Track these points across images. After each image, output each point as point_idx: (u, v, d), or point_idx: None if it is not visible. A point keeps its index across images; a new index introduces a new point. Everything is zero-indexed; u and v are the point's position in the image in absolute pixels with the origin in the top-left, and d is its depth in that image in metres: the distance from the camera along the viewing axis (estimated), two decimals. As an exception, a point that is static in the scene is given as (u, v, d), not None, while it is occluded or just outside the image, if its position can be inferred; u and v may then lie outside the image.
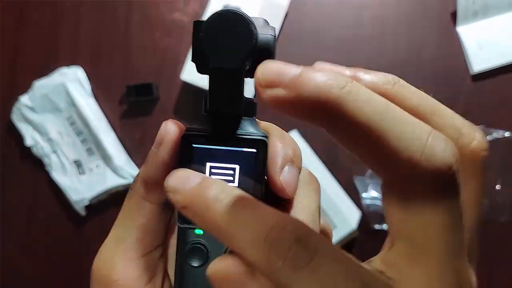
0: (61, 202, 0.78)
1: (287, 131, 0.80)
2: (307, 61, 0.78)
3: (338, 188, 0.72)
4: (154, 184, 0.26)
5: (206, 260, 0.26)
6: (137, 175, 0.27)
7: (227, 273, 0.19)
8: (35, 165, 0.78)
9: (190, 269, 0.27)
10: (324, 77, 0.18)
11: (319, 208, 0.27)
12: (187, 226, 0.26)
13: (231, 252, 0.20)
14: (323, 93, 0.18)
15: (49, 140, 0.77)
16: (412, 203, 0.18)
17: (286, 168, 0.26)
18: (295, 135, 0.73)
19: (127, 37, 0.79)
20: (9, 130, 0.79)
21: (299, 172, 0.27)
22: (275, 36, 0.25)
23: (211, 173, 0.25)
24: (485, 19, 0.74)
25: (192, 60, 0.25)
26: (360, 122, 0.18)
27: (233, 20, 0.23)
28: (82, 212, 0.76)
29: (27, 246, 0.79)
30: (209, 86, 0.25)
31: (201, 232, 0.26)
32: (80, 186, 0.76)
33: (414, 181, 0.18)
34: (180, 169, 0.22)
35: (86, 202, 0.75)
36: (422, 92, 0.21)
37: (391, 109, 0.18)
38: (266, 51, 0.25)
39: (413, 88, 0.21)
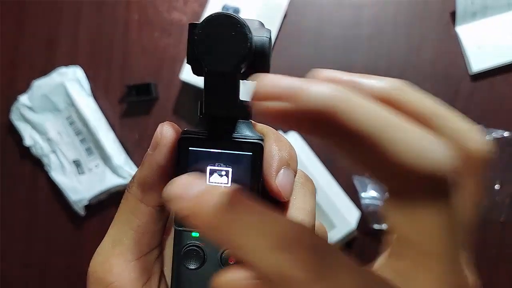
0: (61, 202, 0.78)
1: (286, 132, 0.80)
2: (306, 61, 0.78)
3: (338, 188, 0.73)
4: (150, 186, 0.26)
5: (202, 262, 0.26)
6: (133, 177, 0.27)
7: (237, 286, 0.19)
8: (34, 165, 0.78)
9: (186, 272, 0.26)
10: (320, 88, 0.18)
11: (314, 210, 0.27)
12: (184, 229, 0.26)
13: (237, 262, 0.20)
14: (319, 104, 0.17)
15: (48, 140, 0.76)
16: (416, 209, 0.18)
17: (282, 171, 0.26)
18: (294, 135, 0.73)
19: (126, 37, 0.79)
20: (8, 130, 0.79)
21: (295, 175, 0.27)
22: (270, 38, 0.25)
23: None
24: (484, 19, 0.74)
25: (188, 63, 0.25)
26: (356, 131, 0.18)
27: (227, 24, 0.23)
28: (82, 212, 0.76)
29: (26, 245, 0.79)
30: (204, 89, 0.25)
31: (198, 234, 0.26)
32: (80, 186, 0.76)
33: (415, 187, 0.18)
34: (181, 176, 0.21)
35: (86, 202, 0.75)
36: (424, 95, 0.21)
37: (388, 117, 0.18)
38: (261, 53, 0.25)
39: (415, 92, 0.21)
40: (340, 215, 0.69)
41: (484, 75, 0.74)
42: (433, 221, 0.18)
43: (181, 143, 0.26)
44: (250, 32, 0.23)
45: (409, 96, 0.21)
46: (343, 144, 0.18)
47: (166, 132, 0.26)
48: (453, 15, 0.75)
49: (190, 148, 0.25)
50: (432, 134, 0.19)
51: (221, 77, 0.24)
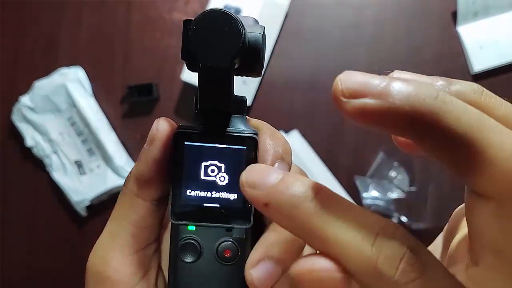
0: (62, 203, 0.78)
1: (287, 132, 0.80)
2: (307, 61, 0.78)
3: (339, 188, 0.72)
4: (146, 181, 0.27)
5: (199, 256, 0.27)
6: (130, 172, 0.27)
7: (320, 276, 0.18)
8: (36, 165, 0.78)
9: (183, 265, 0.27)
10: (414, 87, 0.17)
11: None
12: (180, 222, 0.26)
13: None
14: (417, 103, 0.17)
15: (50, 141, 0.77)
16: (508, 211, 0.17)
17: (276, 164, 0.26)
18: (295, 135, 0.73)
19: (127, 37, 0.79)
20: (9, 130, 0.79)
21: (289, 169, 0.27)
22: (263, 35, 0.26)
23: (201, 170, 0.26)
24: (485, 19, 0.74)
25: (182, 58, 0.26)
26: (457, 132, 0.17)
27: (221, 19, 0.24)
28: (83, 213, 0.76)
29: (28, 246, 0.79)
30: (198, 84, 0.25)
31: (194, 228, 0.27)
32: (81, 187, 0.76)
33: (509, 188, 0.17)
34: (258, 164, 0.21)
35: (87, 203, 0.75)
36: (508, 102, 0.20)
37: (485, 119, 0.17)
38: (255, 49, 0.25)
39: (499, 98, 0.20)
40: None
41: (486, 75, 0.74)
42: None
43: (177, 137, 0.26)
44: (243, 28, 0.24)
45: (493, 101, 0.20)
46: (438, 145, 0.17)
47: (162, 127, 0.26)
48: (454, 15, 0.75)
49: (185, 143, 0.26)
50: None
51: (215, 72, 0.25)
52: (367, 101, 0.17)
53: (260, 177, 0.19)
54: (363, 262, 0.17)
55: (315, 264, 0.18)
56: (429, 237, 0.28)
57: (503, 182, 0.17)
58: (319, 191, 0.18)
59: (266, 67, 0.76)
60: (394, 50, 0.76)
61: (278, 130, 0.79)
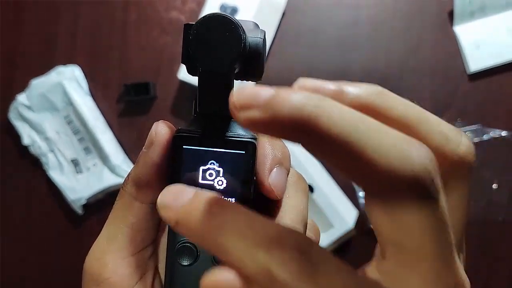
0: (59, 201, 0.78)
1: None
2: (304, 61, 0.78)
3: (335, 187, 0.73)
4: (144, 184, 0.27)
5: (195, 259, 0.27)
6: (128, 175, 0.28)
7: (224, 286, 0.19)
8: (32, 164, 0.78)
9: (180, 268, 0.27)
10: (296, 96, 0.18)
11: (306, 208, 0.27)
12: None
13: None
14: (296, 112, 0.18)
15: (46, 139, 0.76)
16: (396, 209, 0.19)
17: (275, 169, 0.26)
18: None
19: (124, 36, 0.79)
20: (6, 129, 0.79)
21: (288, 173, 0.27)
22: (264, 39, 0.26)
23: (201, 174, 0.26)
24: (482, 19, 0.74)
25: (182, 62, 0.26)
26: (334, 136, 0.18)
27: (221, 24, 0.24)
28: (80, 211, 0.76)
29: (24, 245, 0.79)
30: (198, 88, 0.26)
31: None
32: (78, 185, 0.76)
33: (395, 188, 0.18)
34: (172, 185, 0.22)
35: (84, 201, 0.75)
36: (407, 101, 0.21)
37: (364, 121, 0.18)
38: (255, 54, 0.26)
39: (397, 98, 0.21)
40: (338, 215, 0.70)
41: (482, 74, 0.74)
42: (418, 222, 0.18)
43: (175, 141, 0.26)
44: (244, 32, 0.24)
45: (389, 101, 0.21)
46: (321, 150, 0.19)
47: (161, 130, 0.26)
48: (451, 14, 0.75)
49: (184, 146, 0.26)
50: (412, 136, 0.19)
51: (215, 76, 0.25)
52: (253, 113, 0.18)
53: (170, 198, 0.21)
54: (257, 268, 0.18)
55: (217, 276, 0.19)
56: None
57: (383, 180, 0.18)
58: (223, 207, 0.20)
59: (263, 66, 0.76)
60: (391, 50, 0.76)
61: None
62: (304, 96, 0.18)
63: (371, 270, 0.21)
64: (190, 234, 0.20)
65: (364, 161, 0.18)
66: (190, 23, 0.25)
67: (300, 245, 0.18)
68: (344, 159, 0.18)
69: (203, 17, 0.24)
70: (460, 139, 0.21)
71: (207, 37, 0.24)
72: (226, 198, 0.21)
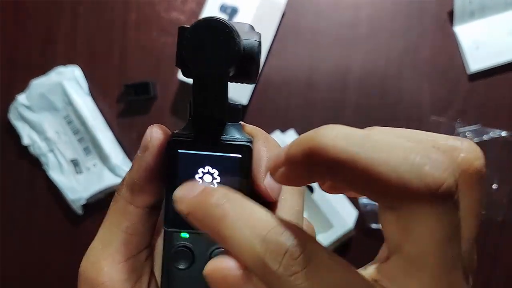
0: (58, 201, 0.78)
1: (283, 131, 0.80)
2: (304, 60, 0.78)
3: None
4: (139, 188, 0.27)
5: (191, 262, 0.27)
6: (123, 179, 0.27)
7: (223, 274, 0.20)
8: (32, 164, 0.78)
9: (176, 272, 0.27)
10: (298, 139, 0.20)
11: (302, 209, 0.28)
12: (174, 229, 0.26)
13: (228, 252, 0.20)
14: (305, 147, 0.19)
15: (46, 139, 0.76)
16: (408, 219, 0.19)
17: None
18: (292, 134, 0.73)
19: (124, 36, 0.79)
20: (6, 129, 0.79)
21: None
22: (259, 42, 0.26)
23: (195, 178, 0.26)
24: (482, 19, 0.74)
25: (177, 65, 0.26)
26: (342, 159, 0.18)
27: (216, 28, 0.24)
28: (79, 211, 0.76)
29: (24, 245, 0.79)
30: (192, 92, 0.26)
31: (187, 235, 0.27)
32: (77, 185, 0.76)
33: (409, 200, 0.18)
34: (188, 182, 0.23)
35: (83, 201, 0.75)
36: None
37: (370, 138, 0.19)
38: (250, 57, 0.25)
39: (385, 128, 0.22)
40: (338, 215, 0.70)
41: (482, 75, 0.74)
42: (427, 231, 0.18)
43: (170, 145, 0.26)
44: (238, 36, 0.24)
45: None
46: (335, 177, 0.19)
47: (155, 134, 0.26)
48: (450, 14, 0.75)
49: (179, 151, 0.26)
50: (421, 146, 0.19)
51: (209, 80, 0.25)
52: (281, 170, 0.21)
53: (184, 192, 0.22)
54: (254, 258, 0.19)
55: (219, 264, 0.20)
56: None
57: (395, 194, 0.18)
58: (228, 199, 0.21)
59: (263, 66, 0.76)
60: (391, 50, 0.76)
61: (275, 129, 0.79)
62: (304, 135, 0.20)
63: (372, 270, 0.21)
64: (199, 224, 0.21)
65: (373, 178, 0.18)
66: (185, 26, 0.24)
67: (295, 238, 0.19)
68: (358, 181, 0.19)
69: (198, 20, 0.24)
70: (459, 146, 0.21)
71: (201, 41, 0.24)
72: (233, 190, 0.21)
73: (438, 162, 0.18)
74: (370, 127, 0.22)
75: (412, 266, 0.19)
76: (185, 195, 0.22)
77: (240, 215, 0.20)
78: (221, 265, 0.20)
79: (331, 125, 0.19)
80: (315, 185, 0.70)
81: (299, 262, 0.18)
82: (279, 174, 0.20)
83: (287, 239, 0.19)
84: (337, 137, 0.18)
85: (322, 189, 0.24)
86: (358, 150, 0.18)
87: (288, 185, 0.21)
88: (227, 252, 0.20)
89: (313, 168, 0.19)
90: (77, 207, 0.76)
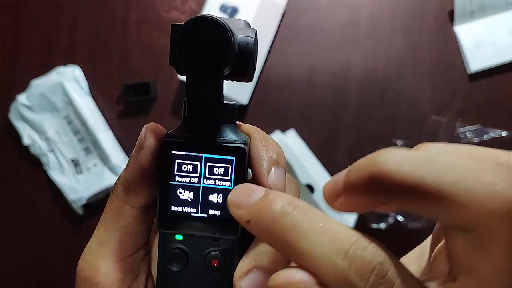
0: (59, 201, 0.78)
1: (284, 131, 0.80)
2: (304, 60, 0.78)
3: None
4: (134, 188, 0.26)
5: (186, 264, 0.27)
6: (118, 179, 0.28)
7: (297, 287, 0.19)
8: (33, 164, 0.78)
9: (171, 273, 0.27)
10: (359, 161, 0.19)
11: None
12: (168, 231, 0.26)
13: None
14: (367, 173, 0.19)
15: (47, 139, 0.76)
16: (484, 239, 0.18)
17: (273, 170, 0.26)
18: (292, 134, 0.73)
19: (124, 36, 0.79)
20: (6, 129, 0.79)
21: (285, 172, 0.27)
22: (255, 39, 0.25)
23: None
24: (482, 19, 0.74)
25: (170, 64, 0.25)
26: (409, 184, 0.18)
27: (209, 26, 0.23)
28: (80, 211, 0.76)
29: (25, 245, 0.79)
30: (186, 93, 0.25)
31: (181, 237, 0.26)
32: (78, 185, 0.76)
33: (484, 220, 0.18)
34: (243, 183, 0.22)
35: (84, 201, 0.75)
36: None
37: (434, 160, 0.18)
38: (245, 54, 0.25)
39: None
40: (338, 215, 0.69)
41: (482, 74, 0.74)
42: (504, 250, 0.18)
43: (164, 146, 0.26)
44: (232, 35, 0.23)
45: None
46: (401, 203, 0.19)
47: (150, 134, 0.26)
48: (451, 14, 0.75)
49: (173, 152, 0.26)
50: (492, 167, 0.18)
51: (203, 79, 0.24)
52: (341, 198, 0.20)
53: (243, 197, 0.21)
54: (336, 274, 0.18)
55: (293, 277, 0.19)
56: (425, 236, 0.28)
57: (468, 216, 0.18)
58: (296, 207, 0.19)
59: (263, 66, 0.76)
60: (391, 50, 0.76)
61: (275, 129, 0.79)
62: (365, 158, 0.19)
63: (434, 285, 0.21)
64: (262, 233, 0.20)
65: (443, 201, 0.17)
66: (178, 23, 0.24)
67: (381, 256, 0.18)
68: (427, 204, 0.18)
69: (191, 19, 0.23)
70: None
71: (194, 39, 0.23)
72: (297, 198, 0.20)
73: (509, 180, 0.17)
74: (423, 144, 0.21)
75: (486, 285, 0.18)
76: (242, 200, 0.21)
77: (315, 227, 0.19)
78: (294, 279, 0.19)
79: (388, 149, 0.18)
80: (315, 185, 0.70)
81: (387, 280, 0.18)
82: (340, 202, 0.20)
83: (373, 256, 0.18)
84: (400, 161, 0.18)
85: (377, 212, 0.25)
86: (425, 173, 0.18)
87: (348, 212, 0.20)
88: (299, 266, 0.19)
89: (377, 195, 0.19)
90: (78, 207, 0.76)
